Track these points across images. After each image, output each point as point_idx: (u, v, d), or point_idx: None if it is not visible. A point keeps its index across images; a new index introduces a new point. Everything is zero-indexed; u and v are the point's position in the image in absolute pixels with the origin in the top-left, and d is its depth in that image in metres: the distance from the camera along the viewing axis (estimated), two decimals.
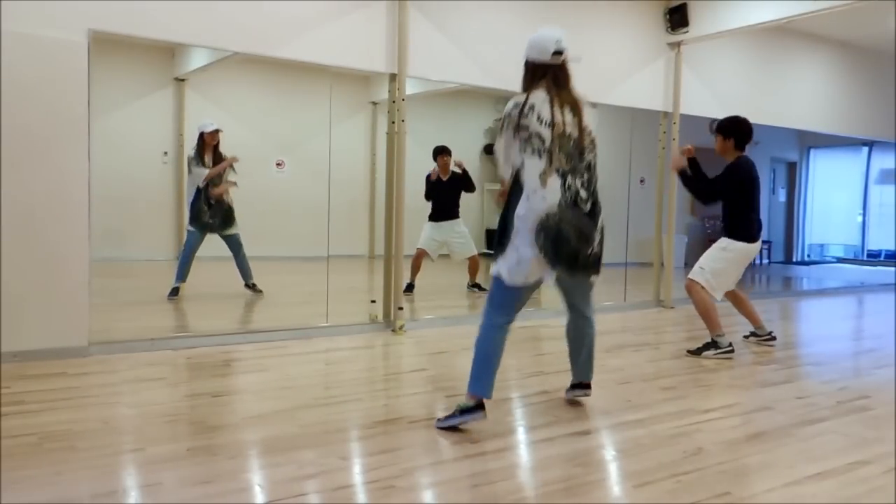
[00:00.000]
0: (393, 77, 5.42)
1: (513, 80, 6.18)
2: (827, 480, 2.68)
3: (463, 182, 7.18)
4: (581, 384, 3.58)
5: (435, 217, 7.16)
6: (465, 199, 7.34)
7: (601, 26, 6.62)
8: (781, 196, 11.70)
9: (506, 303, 3.16)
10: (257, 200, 7.86)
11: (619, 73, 6.76)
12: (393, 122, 5.45)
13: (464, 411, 3.10)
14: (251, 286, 6.67)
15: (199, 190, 6.39)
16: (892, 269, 10.01)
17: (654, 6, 6.95)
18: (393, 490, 2.50)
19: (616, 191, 7.43)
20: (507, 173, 3.14)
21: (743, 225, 4.84)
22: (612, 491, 2.62)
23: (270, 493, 2.47)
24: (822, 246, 12.20)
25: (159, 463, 2.69)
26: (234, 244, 6.59)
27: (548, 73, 3.07)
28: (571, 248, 2.99)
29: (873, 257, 11.52)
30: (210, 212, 6.42)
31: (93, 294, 4.34)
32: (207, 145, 6.42)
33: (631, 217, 7.47)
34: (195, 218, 6.45)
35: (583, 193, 3.04)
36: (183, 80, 8.19)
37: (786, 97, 8.16)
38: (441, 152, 7.14)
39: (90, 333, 4.31)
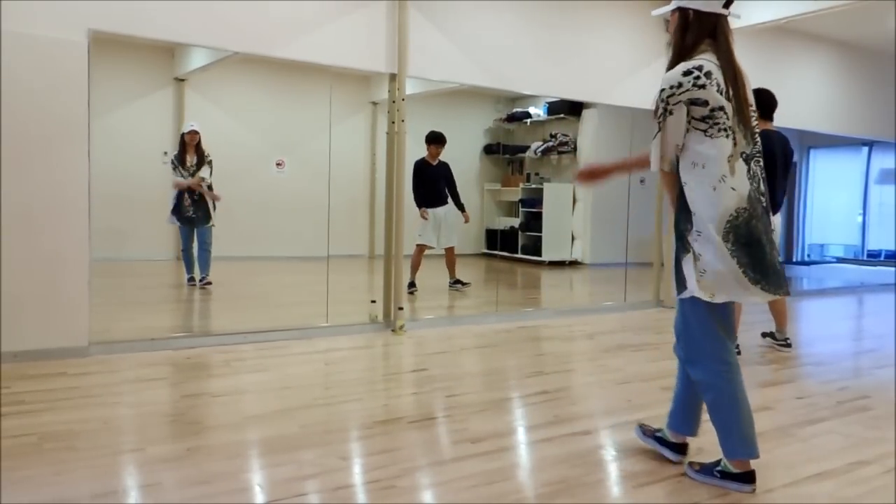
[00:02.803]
0: (393, 77, 5.42)
1: (513, 80, 6.30)
2: (827, 480, 2.68)
3: (452, 190, 7.25)
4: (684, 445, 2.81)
5: (428, 203, 7.15)
6: (467, 200, 7.32)
7: (601, 26, 6.62)
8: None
9: (711, 326, 2.52)
10: (257, 200, 7.86)
11: (619, 73, 6.75)
12: (393, 122, 5.45)
13: (733, 477, 2.54)
14: (197, 280, 6.82)
15: (180, 192, 6.75)
16: (892, 269, 10.00)
17: (654, 6, 6.93)
18: (393, 490, 2.50)
19: (616, 191, 7.43)
20: (660, 163, 2.50)
21: None
22: (612, 491, 2.61)
23: (270, 493, 2.47)
24: (822, 246, 12.18)
25: (159, 463, 2.69)
26: (206, 237, 6.89)
27: (716, 28, 2.42)
28: (767, 254, 2.42)
29: (873, 257, 11.51)
30: (193, 207, 6.76)
31: (93, 294, 4.35)
32: (188, 145, 6.77)
33: (631, 217, 7.46)
34: (181, 216, 6.81)
35: (762, 185, 2.45)
36: (183, 80, 8.19)
37: (786, 97, 8.11)
38: (434, 140, 7.15)
39: (90, 333, 4.31)
